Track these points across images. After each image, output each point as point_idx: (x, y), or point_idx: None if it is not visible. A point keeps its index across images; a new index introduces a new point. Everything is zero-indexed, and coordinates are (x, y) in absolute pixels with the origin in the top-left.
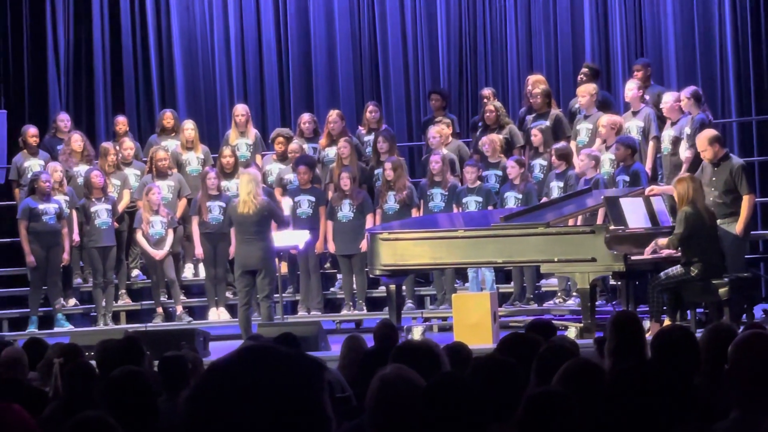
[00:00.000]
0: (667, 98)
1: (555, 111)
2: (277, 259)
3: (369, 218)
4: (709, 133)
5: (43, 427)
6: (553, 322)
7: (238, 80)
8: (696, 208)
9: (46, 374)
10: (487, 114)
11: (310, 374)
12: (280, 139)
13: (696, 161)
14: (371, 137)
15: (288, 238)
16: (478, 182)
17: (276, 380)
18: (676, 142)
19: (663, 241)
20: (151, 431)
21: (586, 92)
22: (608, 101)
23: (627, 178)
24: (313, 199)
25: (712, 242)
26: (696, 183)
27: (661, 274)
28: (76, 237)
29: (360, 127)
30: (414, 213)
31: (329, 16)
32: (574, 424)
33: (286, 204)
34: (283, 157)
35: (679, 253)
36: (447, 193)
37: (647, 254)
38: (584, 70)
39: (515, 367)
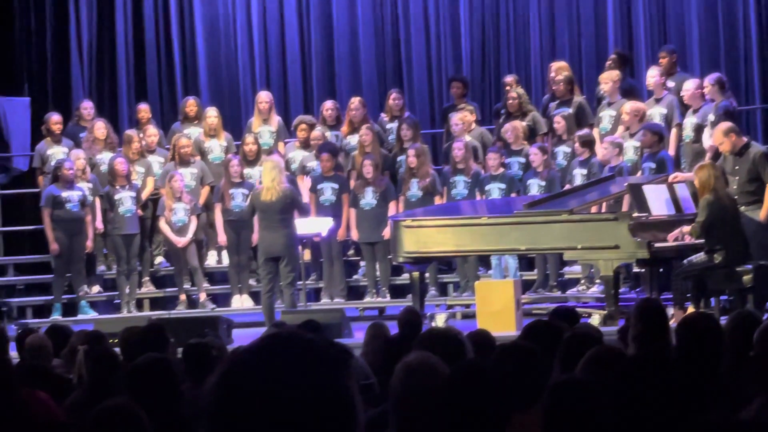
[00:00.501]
0: (688, 85)
1: (578, 98)
2: (300, 247)
3: (392, 205)
4: (724, 125)
5: (68, 413)
6: (577, 309)
7: (260, 67)
8: (717, 196)
9: (70, 361)
10: (510, 101)
11: (336, 361)
12: (303, 126)
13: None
14: (394, 125)
15: (311, 226)
16: (501, 169)
17: (302, 367)
18: (698, 129)
19: (687, 228)
20: (175, 418)
21: (609, 79)
22: (634, 89)
23: (653, 165)
24: (336, 186)
25: (735, 229)
26: (717, 170)
27: (685, 261)
28: (99, 224)
29: (383, 115)
30: (437, 200)
31: (352, 2)
32: (599, 412)
33: (304, 187)
34: (305, 145)
35: (702, 240)
36: (470, 181)
37: (671, 241)
38: (612, 56)
39: (539, 355)
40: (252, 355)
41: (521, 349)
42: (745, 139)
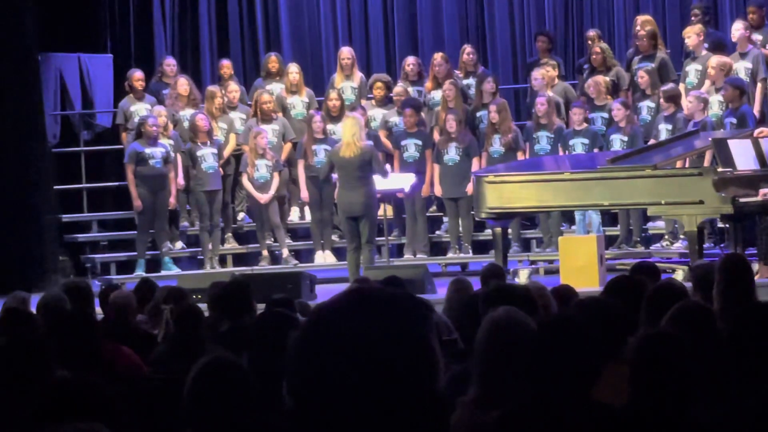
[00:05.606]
0: None
1: (661, 53)
2: (382, 203)
3: (475, 161)
4: None
5: (151, 368)
6: (660, 265)
7: (342, 23)
8: None
9: (154, 317)
10: (594, 56)
11: (417, 315)
12: (379, 84)
13: None
14: (468, 80)
15: (394, 182)
16: (585, 124)
17: (384, 322)
18: None
19: None
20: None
21: (692, 33)
22: (722, 42)
23: (734, 120)
24: (419, 142)
25: None
26: None
27: None
28: (180, 181)
29: (457, 71)
30: (520, 156)
31: None
32: (686, 366)
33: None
34: (382, 102)
35: None
36: (553, 136)
37: (760, 197)
38: (695, 10)
39: (622, 309)
40: (335, 310)
41: (605, 303)
42: None
